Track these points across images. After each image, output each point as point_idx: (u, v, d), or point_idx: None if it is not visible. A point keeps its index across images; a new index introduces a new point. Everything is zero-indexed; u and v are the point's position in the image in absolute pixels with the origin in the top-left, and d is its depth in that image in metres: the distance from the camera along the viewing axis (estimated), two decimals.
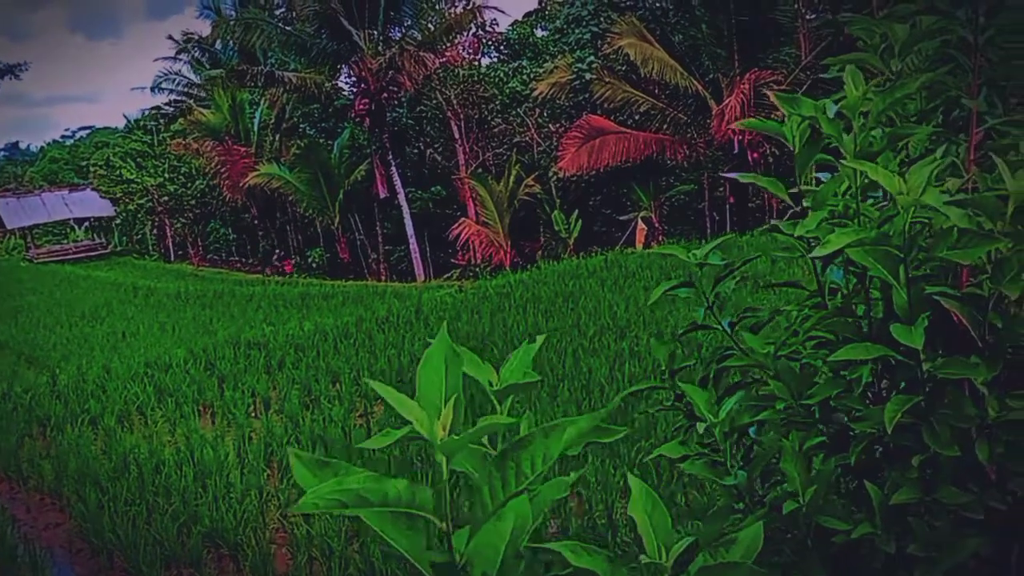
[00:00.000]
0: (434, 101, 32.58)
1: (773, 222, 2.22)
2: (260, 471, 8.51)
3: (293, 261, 35.71)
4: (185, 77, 41.42)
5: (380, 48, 28.89)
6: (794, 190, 2.29)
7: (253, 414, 10.79)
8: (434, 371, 1.26)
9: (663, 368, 2.66)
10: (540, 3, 39.20)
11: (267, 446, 9.29)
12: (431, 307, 15.57)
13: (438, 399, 1.22)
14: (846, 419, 2.13)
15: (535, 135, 31.58)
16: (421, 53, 27.78)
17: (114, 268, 37.63)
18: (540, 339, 1.74)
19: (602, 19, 27.79)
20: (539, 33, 37.02)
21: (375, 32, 29.15)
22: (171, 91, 41.73)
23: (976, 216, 1.85)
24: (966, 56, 2.38)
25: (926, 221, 2.06)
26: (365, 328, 14.05)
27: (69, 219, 45.44)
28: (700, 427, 2.30)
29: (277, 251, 36.51)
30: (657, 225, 27.37)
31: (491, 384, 1.50)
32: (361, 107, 29.66)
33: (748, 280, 13.72)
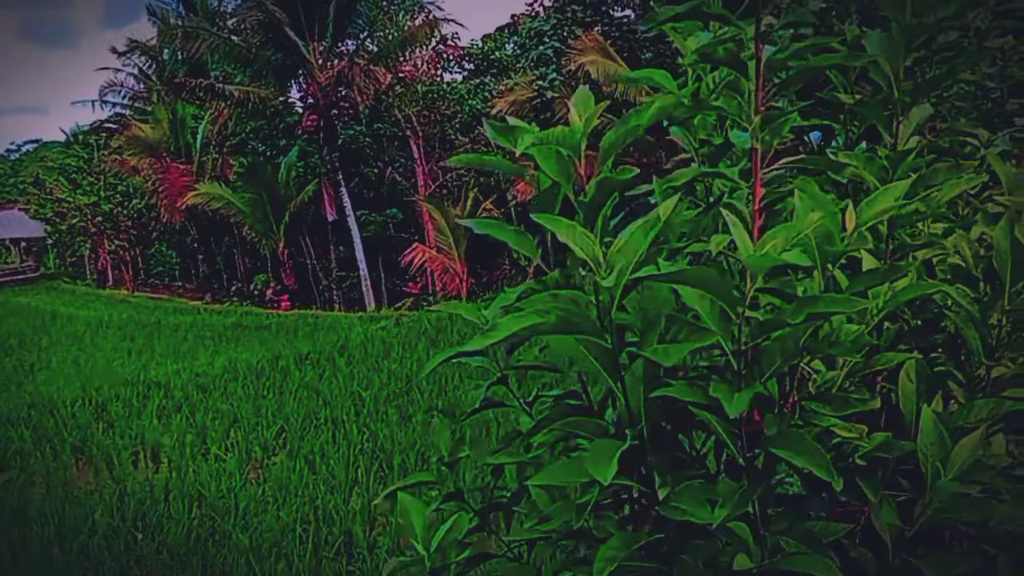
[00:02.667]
0: (393, 118, 32.01)
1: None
2: (123, 534, 7.72)
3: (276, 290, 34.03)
4: (130, 89, 40.58)
5: (329, 61, 28.35)
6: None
7: (134, 463, 10.02)
8: None
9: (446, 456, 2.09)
10: (512, 17, 38.92)
11: (140, 504, 8.52)
12: (359, 342, 14.86)
13: None
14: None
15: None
16: (372, 67, 27.25)
17: (40, 293, 36.59)
18: None
19: (565, 34, 27.41)
20: (509, 48, 36.68)
21: (324, 45, 28.61)
22: (115, 104, 40.91)
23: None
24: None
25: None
26: (281, 366, 13.31)
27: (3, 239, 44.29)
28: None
29: (272, 284, 34.74)
30: None
31: None
32: (309, 123, 29.07)
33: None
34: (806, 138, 3.04)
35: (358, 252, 29.46)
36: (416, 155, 32.10)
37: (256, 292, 34.06)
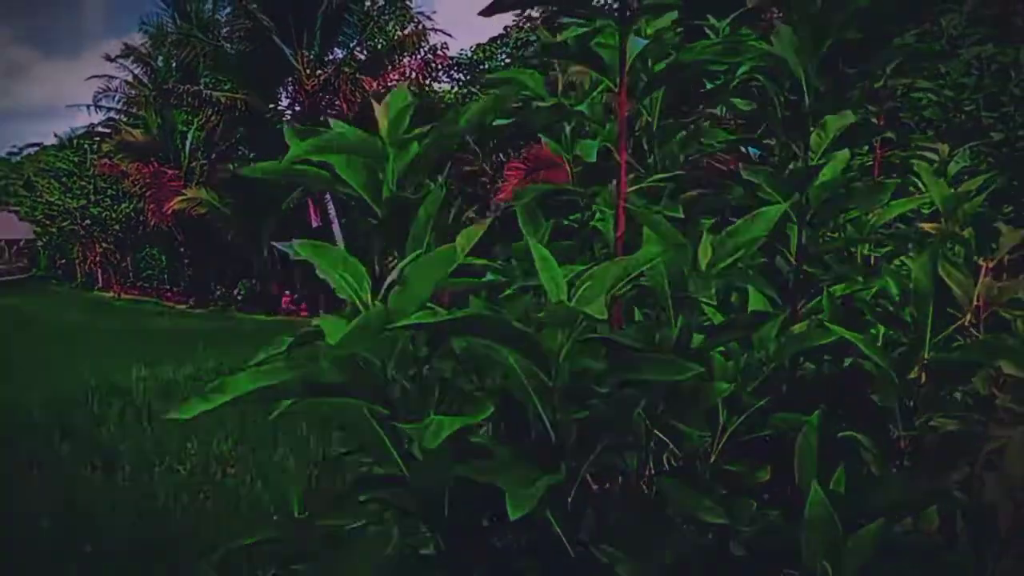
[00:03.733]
0: None
1: None
2: (69, 543, 7.27)
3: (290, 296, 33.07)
4: (123, 94, 40.09)
5: (317, 70, 28.00)
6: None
7: (92, 470, 9.60)
8: None
9: None
10: (505, 29, 38.61)
11: (89, 512, 8.09)
12: None
13: None
14: None
15: (483, 164, 30.69)
16: (359, 76, 26.89)
17: (26, 295, 35.98)
18: None
19: None
20: (501, 59, 36.35)
21: (312, 53, 28.25)
22: (108, 109, 40.40)
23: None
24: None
25: None
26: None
27: None
28: None
29: (286, 291, 33.75)
30: None
31: None
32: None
33: None
34: (744, 151, 2.68)
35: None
36: None
37: (240, 297, 33.55)
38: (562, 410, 1.10)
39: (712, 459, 1.48)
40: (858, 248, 2.08)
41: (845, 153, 1.98)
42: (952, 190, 1.79)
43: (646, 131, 2.15)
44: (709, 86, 2.92)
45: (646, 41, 1.44)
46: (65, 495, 8.49)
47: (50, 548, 6.88)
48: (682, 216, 1.47)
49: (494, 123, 1.56)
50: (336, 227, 28.40)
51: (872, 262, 2.19)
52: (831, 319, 1.80)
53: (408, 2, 32.08)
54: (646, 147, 2.24)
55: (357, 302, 1.04)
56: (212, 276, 37.16)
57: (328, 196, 28.50)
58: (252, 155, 33.59)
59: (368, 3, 30.66)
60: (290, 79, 28.15)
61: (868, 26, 2.50)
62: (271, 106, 30.76)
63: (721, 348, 1.50)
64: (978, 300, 1.45)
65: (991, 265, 1.60)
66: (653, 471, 1.38)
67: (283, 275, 34.80)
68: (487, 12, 1.43)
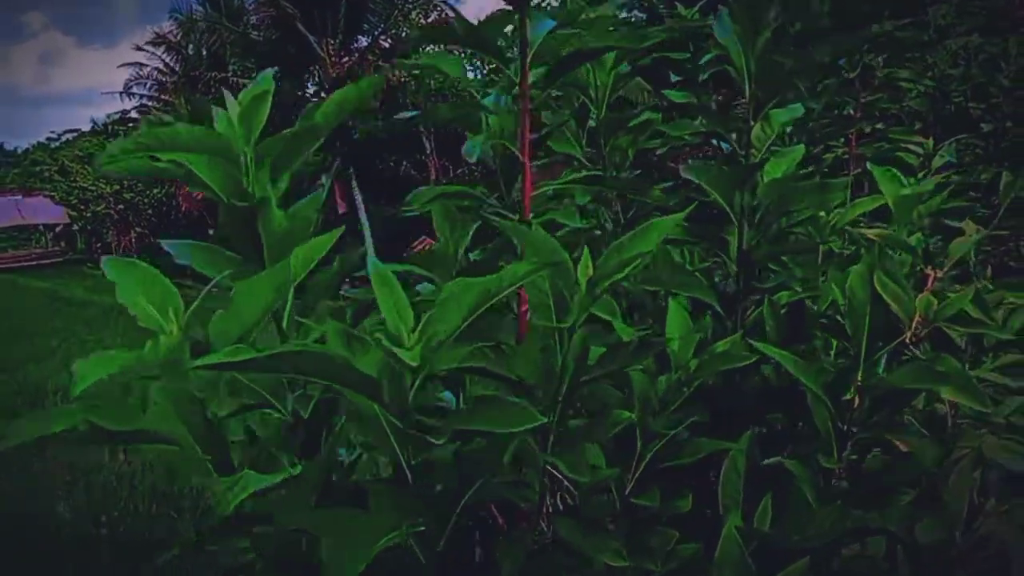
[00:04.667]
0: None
1: None
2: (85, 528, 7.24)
3: None
4: (155, 81, 40.26)
5: (341, 58, 27.90)
6: None
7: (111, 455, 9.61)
8: None
9: None
10: None
11: (104, 497, 8.06)
12: None
13: None
14: None
15: (429, 161, 30.38)
16: (382, 64, 26.76)
17: (62, 278, 36.27)
18: None
19: None
20: None
21: (337, 41, 28.14)
22: (141, 96, 40.58)
23: None
24: None
25: None
26: None
27: (21, 224, 44.18)
28: None
29: None
30: None
31: None
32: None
33: None
34: (715, 144, 2.50)
35: (367, 245, 29.00)
36: (428, 149, 31.51)
37: None
38: (415, 455, 0.94)
39: (628, 490, 1.32)
40: (819, 252, 1.89)
41: (798, 149, 1.80)
42: (909, 190, 1.61)
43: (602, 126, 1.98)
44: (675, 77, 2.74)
45: (552, 23, 1.27)
46: (84, 479, 8.47)
47: (67, 532, 6.86)
48: (579, 224, 1.30)
49: (397, 117, 1.39)
50: (363, 214, 28.32)
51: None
52: (773, 331, 1.63)
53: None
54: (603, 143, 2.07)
55: (157, 330, 0.90)
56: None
57: (353, 183, 28.45)
58: None
59: None
60: (315, 67, 28.06)
61: (834, 12, 2.30)
62: (298, 93, 30.69)
63: (639, 367, 1.33)
64: (918, 316, 1.27)
65: (939, 274, 1.42)
66: (551, 509, 1.22)
67: None
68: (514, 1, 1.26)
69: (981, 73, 3.35)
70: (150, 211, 39.55)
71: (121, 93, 40.27)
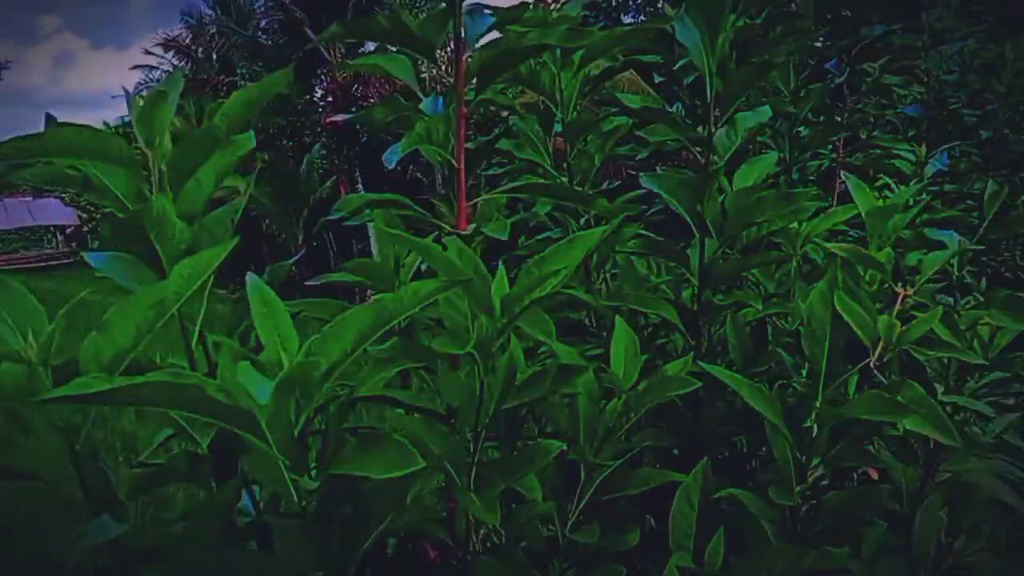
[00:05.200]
0: None
1: None
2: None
3: None
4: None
5: (348, 60, 27.88)
6: None
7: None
8: None
9: None
10: None
11: None
12: None
13: None
14: None
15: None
16: None
17: (71, 279, 36.32)
18: None
19: None
20: None
21: (344, 44, 28.09)
22: None
23: None
24: None
25: None
26: None
27: (32, 225, 44.31)
28: None
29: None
30: None
31: None
32: (328, 122, 28.55)
33: None
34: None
35: (373, 247, 28.96)
36: None
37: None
38: (305, 496, 0.84)
39: (569, 524, 1.22)
40: (789, 265, 1.79)
41: (770, 156, 1.70)
42: (881, 201, 1.50)
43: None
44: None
45: (491, 19, 1.16)
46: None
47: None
48: (507, 237, 1.20)
49: (332, 119, 1.29)
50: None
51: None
52: (736, 350, 1.52)
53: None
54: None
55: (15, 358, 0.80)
56: (255, 262, 37.31)
57: (361, 187, 28.39)
58: (288, 144, 33.50)
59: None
60: (323, 71, 28.03)
61: (822, 17, 2.20)
62: (306, 97, 30.64)
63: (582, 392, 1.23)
64: (882, 338, 1.16)
65: (910, 292, 1.31)
66: (478, 548, 1.12)
67: (320, 261, 34.83)
68: None
69: (977, 79, 3.23)
70: None
71: (131, 95, 40.30)
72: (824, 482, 1.50)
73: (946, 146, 2.67)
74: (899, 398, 1.13)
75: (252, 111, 1.01)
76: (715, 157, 1.49)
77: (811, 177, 2.53)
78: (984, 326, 1.91)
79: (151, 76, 39.86)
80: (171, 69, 40.58)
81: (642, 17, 27.27)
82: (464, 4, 1.21)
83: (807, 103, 2.39)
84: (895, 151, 2.81)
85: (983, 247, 1.87)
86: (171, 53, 40.10)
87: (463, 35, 1.17)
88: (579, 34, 1.15)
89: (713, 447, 1.57)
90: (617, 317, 1.24)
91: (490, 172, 2.10)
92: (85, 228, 43.32)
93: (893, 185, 2.75)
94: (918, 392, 1.12)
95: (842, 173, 1.54)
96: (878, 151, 2.90)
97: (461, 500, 0.93)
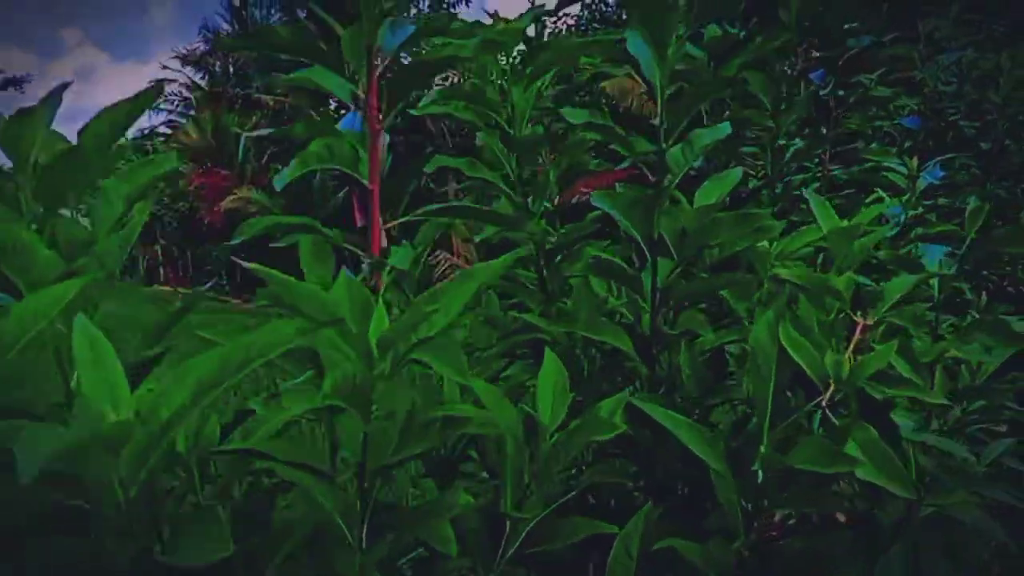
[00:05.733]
0: (426, 128, 31.37)
1: None
2: None
3: None
4: (180, 98, 40.60)
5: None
6: None
7: None
8: None
9: None
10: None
11: None
12: None
13: None
14: None
15: None
16: None
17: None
18: None
19: None
20: None
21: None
22: (169, 111, 40.98)
23: None
24: None
25: None
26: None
27: None
28: None
29: None
30: None
31: None
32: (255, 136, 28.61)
33: None
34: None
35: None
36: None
37: None
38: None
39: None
40: (759, 290, 1.67)
41: (734, 172, 1.59)
42: (844, 223, 1.38)
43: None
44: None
45: (412, 29, 1.07)
46: None
47: None
48: (407, 267, 1.09)
49: (254, 134, 1.20)
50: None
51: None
52: (691, 381, 1.41)
53: (454, 10, 31.90)
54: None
55: None
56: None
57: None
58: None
59: (414, 10, 30.58)
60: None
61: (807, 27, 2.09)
62: (320, 109, 30.74)
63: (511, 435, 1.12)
64: (834, 375, 1.05)
65: (870, 322, 1.20)
66: None
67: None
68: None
69: (974, 90, 3.11)
70: (174, 224, 39.79)
71: (149, 109, 40.72)
72: (791, 521, 1.38)
73: (938, 159, 2.55)
74: (851, 441, 1.02)
75: (120, 129, 0.92)
76: (669, 176, 1.39)
77: (795, 192, 2.42)
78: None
79: (170, 89, 40.18)
80: (188, 82, 40.91)
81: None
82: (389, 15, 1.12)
83: (789, 115, 2.28)
84: (885, 164, 2.69)
85: (968, 268, 1.75)
86: (188, 67, 40.50)
87: (379, 47, 1.07)
88: (495, 46, 1.05)
89: (670, 484, 1.46)
90: (547, 349, 1.13)
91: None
92: None
93: (888, 199, 2.63)
94: (870, 436, 1.01)
95: (804, 191, 1.42)
96: (867, 165, 2.78)
97: (340, 565, 0.82)
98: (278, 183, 1.05)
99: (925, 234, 2.21)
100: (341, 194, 31.13)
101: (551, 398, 1.08)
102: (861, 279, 1.59)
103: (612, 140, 1.33)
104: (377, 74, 1.07)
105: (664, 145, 1.34)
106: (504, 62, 1.81)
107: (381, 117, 1.10)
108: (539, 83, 1.69)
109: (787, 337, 1.04)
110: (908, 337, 1.26)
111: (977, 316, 2.33)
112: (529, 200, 1.80)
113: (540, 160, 1.91)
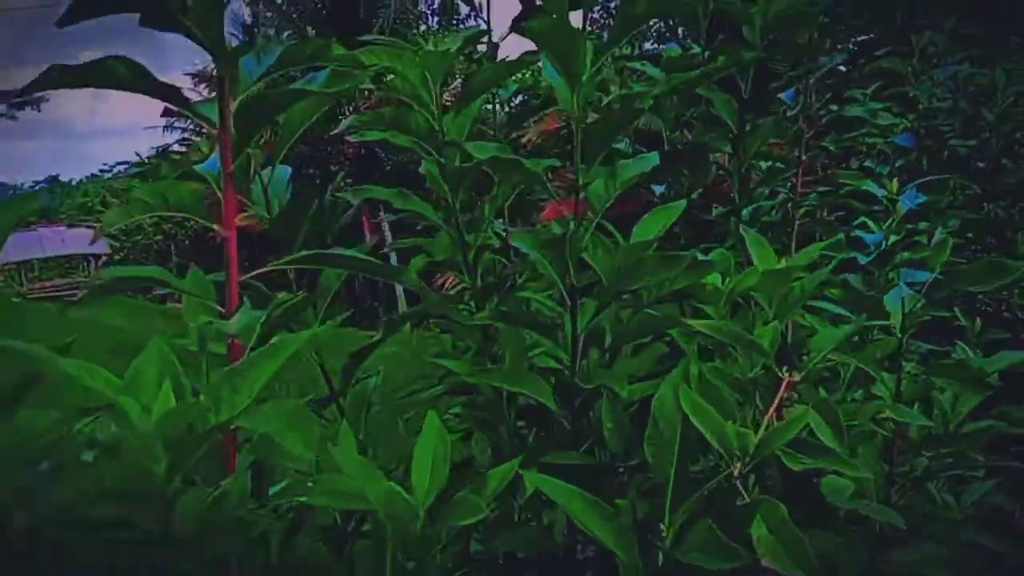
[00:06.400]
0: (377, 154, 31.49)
1: None
2: None
3: None
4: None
5: (370, 94, 28.07)
6: None
7: None
8: None
9: None
10: None
11: None
12: None
13: None
14: None
15: None
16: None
17: (96, 307, 36.63)
18: None
19: None
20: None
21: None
22: (183, 129, 41.34)
23: None
24: None
25: None
26: None
27: (66, 254, 45.00)
28: None
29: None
30: None
31: None
32: (351, 152, 28.76)
33: None
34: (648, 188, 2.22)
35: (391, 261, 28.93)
36: None
37: None
38: None
39: None
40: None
41: (676, 207, 1.47)
42: (781, 263, 1.26)
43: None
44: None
45: (273, 56, 0.96)
46: None
47: None
48: (260, 319, 0.98)
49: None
50: (390, 239, 28.24)
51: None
52: (613, 437, 1.29)
53: (461, 27, 32.02)
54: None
55: None
56: (278, 290, 37.53)
57: (383, 215, 28.45)
58: (313, 173, 33.76)
59: (423, 27, 30.69)
60: (346, 100, 28.24)
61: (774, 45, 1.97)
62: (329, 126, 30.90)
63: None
64: (739, 447, 0.93)
65: (796, 378, 1.07)
66: None
67: (345, 290, 34.87)
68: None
69: (969, 106, 2.97)
70: (187, 241, 39.99)
71: (164, 127, 41.05)
72: None
73: (916, 181, 2.42)
74: (758, 520, 0.89)
75: None
76: (590, 213, 1.27)
77: (764, 218, 2.29)
78: (938, 392, 1.66)
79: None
80: (203, 98, 41.25)
81: (662, 45, 27.09)
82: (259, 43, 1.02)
83: (755, 139, 2.16)
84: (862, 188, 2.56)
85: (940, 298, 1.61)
86: (202, 85, 40.89)
87: (232, 81, 0.97)
88: (344, 77, 0.95)
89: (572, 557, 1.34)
90: (430, 411, 1.01)
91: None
92: (116, 257, 43.86)
93: (872, 224, 2.50)
94: (778, 516, 0.89)
95: (741, 228, 1.30)
96: (844, 188, 2.66)
97: None
98: (102, 230, 0.94)
99: (911, 258, 2.10)
100: (351, 211, 31.18)
101: (428, 471, 0.96)
102: (810, 317, 1.47)
103: (519, 174, 1.22)
104: (232, 108, 0.97)
105: (581, 180, 1.23)
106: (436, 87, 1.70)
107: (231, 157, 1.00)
108: (473, 108, 1.59)
109: (689, 404, 0.92)
110: (840, 395, 1.13)
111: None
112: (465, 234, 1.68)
113: (491, 190, 1.80)
